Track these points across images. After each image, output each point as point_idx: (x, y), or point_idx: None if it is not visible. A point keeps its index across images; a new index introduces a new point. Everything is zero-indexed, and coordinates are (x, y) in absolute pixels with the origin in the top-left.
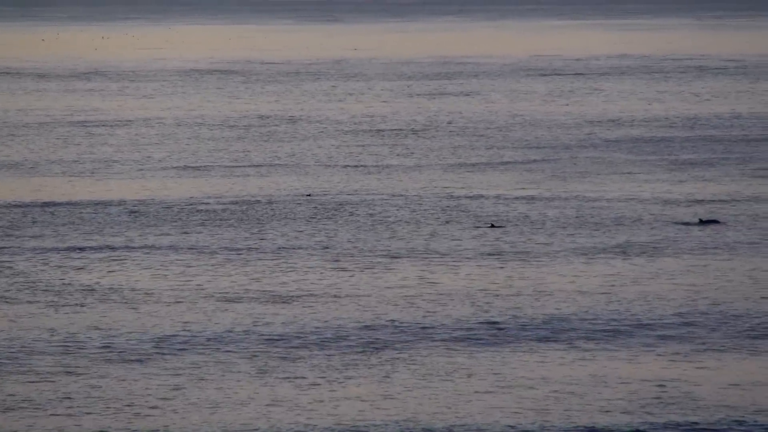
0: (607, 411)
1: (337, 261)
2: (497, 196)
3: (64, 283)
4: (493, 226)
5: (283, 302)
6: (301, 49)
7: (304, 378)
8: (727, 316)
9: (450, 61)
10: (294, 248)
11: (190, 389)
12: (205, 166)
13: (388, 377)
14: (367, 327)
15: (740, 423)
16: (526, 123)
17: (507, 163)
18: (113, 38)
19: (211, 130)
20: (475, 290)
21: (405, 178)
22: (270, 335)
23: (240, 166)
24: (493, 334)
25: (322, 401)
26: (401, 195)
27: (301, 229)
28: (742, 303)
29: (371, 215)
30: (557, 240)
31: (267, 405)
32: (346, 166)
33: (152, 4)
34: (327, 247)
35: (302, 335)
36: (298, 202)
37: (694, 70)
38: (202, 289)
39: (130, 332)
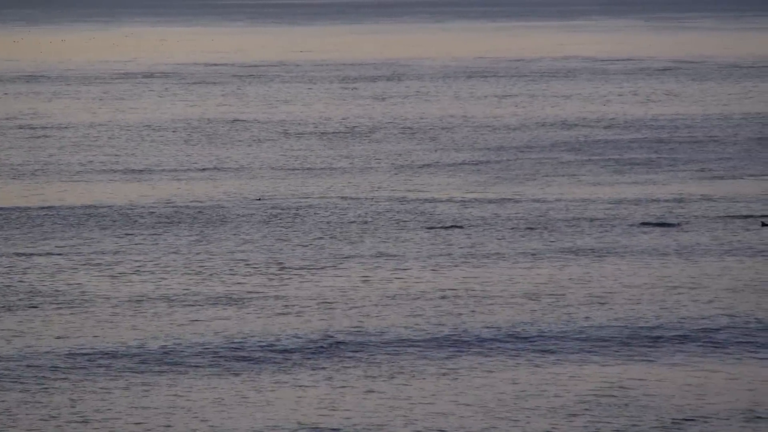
0: (554, 415)
1: (286, 264)
2: (446, 199)
3: (9, 287)
4: (457, 227)
5: (232, 306)
6: (248, 50)
7: (253, 381)
8: (677, 318)
9: (396, 63)
10: (243, 252)
11: (140, 393)
12: (149, 170)
13: (335, 380)
14: (316, 330)
15: (690, 426)
16: (472, 125)
17: (454, 165)
18: (69, 41)
19: (156, 132)
20: (423, 293)
21: (353, 180)
22: (219, 339)
23: (186, 170)
24: (441, 337)
25: (271, 404)
26: (350, 198)
27: (250, 233)
28: (693, 305)
29: (320, 218)
30: (506, 242)
31: (216, 409)
32: (294, 170)
33: (108, 6)
34: (276, 251)
35: (251, 339)
36: (248, 206)
37: (640, 72)
38: (151, 294)
39: (78, 338)
